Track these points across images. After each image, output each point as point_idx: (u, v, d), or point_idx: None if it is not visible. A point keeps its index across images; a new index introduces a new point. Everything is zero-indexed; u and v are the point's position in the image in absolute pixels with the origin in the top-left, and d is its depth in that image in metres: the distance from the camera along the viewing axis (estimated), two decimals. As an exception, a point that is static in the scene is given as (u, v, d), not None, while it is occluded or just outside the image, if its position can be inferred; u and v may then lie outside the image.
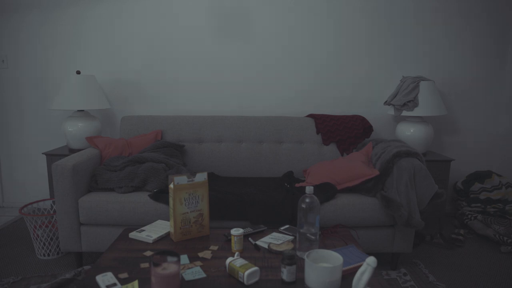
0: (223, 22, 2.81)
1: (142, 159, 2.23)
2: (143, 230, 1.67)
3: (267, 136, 2.61)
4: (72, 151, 2.60)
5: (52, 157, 2.53)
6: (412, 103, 2.56)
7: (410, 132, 2.61)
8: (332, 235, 1.67)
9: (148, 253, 1.48)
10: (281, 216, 1.96)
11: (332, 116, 2.66)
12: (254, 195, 2.06)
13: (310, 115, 2.69)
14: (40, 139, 3.01)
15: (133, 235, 1.63)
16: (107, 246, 2.05)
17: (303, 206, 1.42)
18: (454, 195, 2.94)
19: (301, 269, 1.33)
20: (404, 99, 2.57)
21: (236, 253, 1.38)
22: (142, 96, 2.93)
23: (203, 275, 1.31)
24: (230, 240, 1.59)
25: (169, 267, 1.17)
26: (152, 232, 1.65)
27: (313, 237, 1.43)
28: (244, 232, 1.56)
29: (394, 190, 2.00)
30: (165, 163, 2.25)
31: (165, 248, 1.53)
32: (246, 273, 1.24)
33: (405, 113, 2.59)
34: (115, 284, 1.22)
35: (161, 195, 2.05)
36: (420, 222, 1.93)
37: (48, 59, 2.91)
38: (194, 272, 1.33)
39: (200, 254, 1.46)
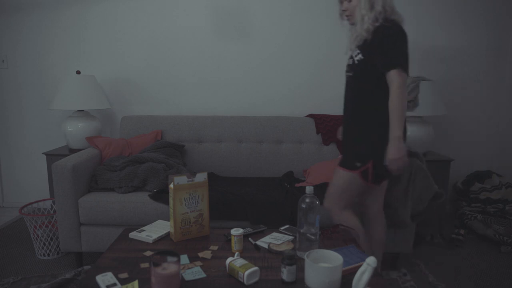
0: (223, 21, 2.81)
1: (142, 159, 2.23)
2: (143, 230, 1.67)
3: (267, 136, 2.61)
4: (72, 151, 2.60)
5: (52, 157, 2.53)
6: (412, 103, 2.56)
7: (410, 132, 2.61)
8: (332, 235, 1.67)
9: (148, 253, 1.48)
10: (281, 216, 1.95)
11: (332, 116, 2.65)
12: (254, 195, 2.06)
13: (310, 115, 2.69)
14: (40, 139, 3.01)
15: (133, 235, 1.63)
16: (107, 246, 2.05)
17: (303, 206, 1.42)
18: (454, 195, 2.94)
19: (301, 269, 1.33)
20: (404, 99, 2.57)
21: (236, 253, 1.38)
22: (142, 96, 2.92)
23: (203, 275, 1.31)
24: (230, 240, 1.59)
25: (169, 267, 1.17)
26: (152, 232, 1.65)
27: (313, 237, 1.43)
28: (244, 232, 1.56)
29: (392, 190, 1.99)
30: (165, 163, 2.25)
31: (165, 248, 1.53)
32: (246, 273, 1.24)
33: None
34: (115, 284, 1.22)
35: (161, 195, 2.05)
36: (405, 222, 1.90)
37: (48, 59, 2.91)
38: (194, 272, 1.33)
39: (200, 254, 1.46)
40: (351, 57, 1.66)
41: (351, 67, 1.66)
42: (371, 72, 1.58)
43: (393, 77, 1.51)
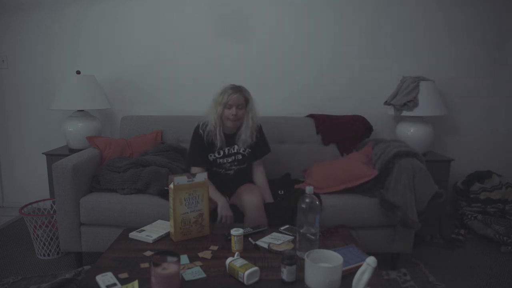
0: (223, 22, 2.81)
1: (145, 162, 2.22)
2: (143, 230, 1.67)
3: (267, 136, 2.60)
4: (72, 151, 2.60)
5: (52, 157, 2.53)
6: (412, 103, 2.56)
7: (410, 132, 2.61)
8: (332, 235, 1.67)
9: (148, 253, 1.48)
10: (281, 216, 1.95)
11: (332, 116, 2.65)
12: (254, 195, 2.05)
13: (310, 115, 2.69)
14: (40, 139, 3.01)
15: (133, 235, 1.63)
16: (107, 246, 2.05)
17: (303, 206, 1.42)
18: (454, 195, 2.94)
19: (301, 269, 1.33)
20: (404, 99, 2.57)
21: (236, 253, 1.38)
22: (142, 96, 2.92)
23: (203, 275, 1.31)
24: (230, 240, 1.59)
25: (169, 267, 1.17)
26: (152, 232, 1.65)
27: (313, 237, 1.43)
28: (244, 232, 1.56)
29: (393, 190, 1.99)
30: (168, 168, 2.24)
31: (165, 248, 1.53)
32: (246, 273, 1.24)
33: (405, 113, 2.59)
34: (115, 284, 1.22)
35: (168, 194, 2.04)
36: (416, 222, 1.92)
37: (48, 59, 2.90)
38: (194, 272, 1.33)
39: (200, 254, 1.46)
40: (238, 153, 2.08)
41: (241, 161, 2.09)
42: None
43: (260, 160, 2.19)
